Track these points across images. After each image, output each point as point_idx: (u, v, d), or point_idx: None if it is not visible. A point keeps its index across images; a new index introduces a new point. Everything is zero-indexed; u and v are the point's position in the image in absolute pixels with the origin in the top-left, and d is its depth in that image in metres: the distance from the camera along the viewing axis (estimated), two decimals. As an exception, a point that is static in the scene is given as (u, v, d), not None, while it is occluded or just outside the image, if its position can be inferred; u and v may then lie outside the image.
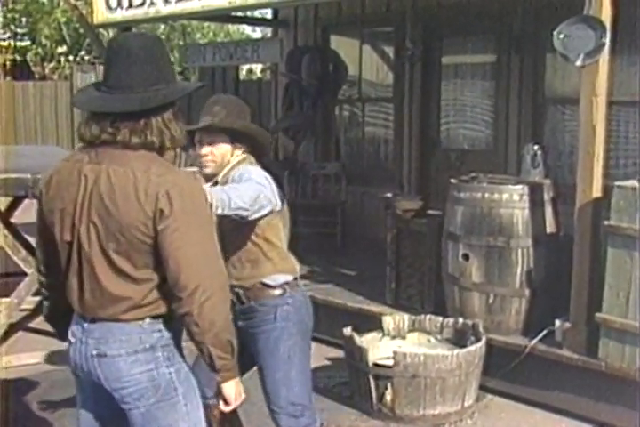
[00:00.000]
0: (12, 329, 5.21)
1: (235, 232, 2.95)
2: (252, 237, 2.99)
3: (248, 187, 2.84)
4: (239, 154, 3.06)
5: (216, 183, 3.02)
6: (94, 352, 2.23)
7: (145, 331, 2.21)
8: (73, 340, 2.30)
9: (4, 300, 4.97)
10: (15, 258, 4.90)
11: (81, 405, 2.42)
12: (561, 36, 4.02)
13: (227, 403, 2.33)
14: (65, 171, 2.25)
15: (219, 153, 3.03)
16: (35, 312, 5.65)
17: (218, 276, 2.19)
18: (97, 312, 2.23)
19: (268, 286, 3.03)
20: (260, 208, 2.82)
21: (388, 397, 4.06)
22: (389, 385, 4.04)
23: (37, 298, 5.42)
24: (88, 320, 2.25)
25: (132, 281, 2.18)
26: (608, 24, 3.92)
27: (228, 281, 2.27)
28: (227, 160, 3.04)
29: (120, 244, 2.14)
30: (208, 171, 3.05)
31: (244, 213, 2.78)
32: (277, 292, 3.03)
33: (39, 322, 5.59)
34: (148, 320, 2.22)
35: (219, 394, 2.33)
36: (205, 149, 3.03)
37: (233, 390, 2.29)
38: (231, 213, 2.75)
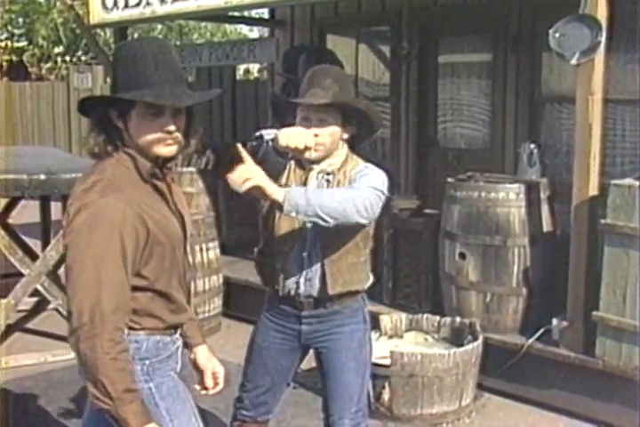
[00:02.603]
0: (9, 330, 5.21)
1: (352, 233, 2.72)
2: (360, 242, 2.77)
3: (367, 195, 2.58)
4: (344, 141, 2.74)
5: (323, 173, 2.72)
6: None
7: (128, 344, 2.08)
8: None
9: (1, 301, 4.97)
10: (12, 259, 4.89)
11: (87, 409, 2.37)
12: (557, 35, 4.02)
13: None
14: None
15: (328, 135, 2.67)
16: (32, 313, 5.65)
17: (93, 306, 1.94)
18: None
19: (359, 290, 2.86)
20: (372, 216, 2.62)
21: (386, 396, 4.06)
22: (387, 384, 4.04)
23: (35, 299, 5.44)
24: None
25: None
26: (604, 22, 3.92)
27: (112, 316, 1.96)
28: (335, 145, 2.71)
29: None
30: (314, 155, 2.67)
31: (364, 221, 2.58)
32: (361, 293, 2.87)
33: (37, 323, 5.61)
34: (125, 331, 2.08)
35: None
36: (315, 130, 2.63)
37: None
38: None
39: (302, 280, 2.75)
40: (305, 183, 2.73)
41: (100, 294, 1.95)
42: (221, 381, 2.47)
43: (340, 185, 2.71)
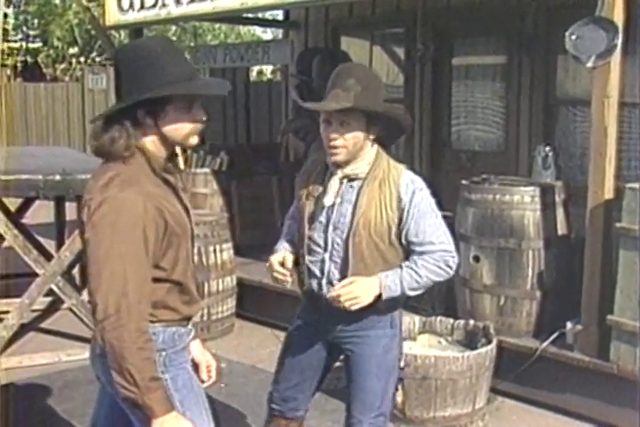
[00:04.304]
0: (23, 330, 5.23)
1: (382, 246, 2.71)
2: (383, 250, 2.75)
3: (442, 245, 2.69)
4: (372, 141, 2.69)
5: (347, 179, 2.70)
6: (98, 351, 2.22)
7: None
8: (91, 337, 2.34)
9: (15, 300, 5.00)
10: (26, 258, 4.92)
11: (98, 404, 2.43)
12: (572, 37, 4.00)
13: None
14: None
15: (351, 138, 2.62)
16: (46, 313, 5.68)
17: (122, 297, 2.00)
18: None
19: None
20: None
21: (399, 398, 4.05)
22: (400, 387, 4.03)
23: (49, 298, 5.47)
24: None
25: None
26: (620, 25, 3.90)
27: (140, 305, 2.03)
28: (359, 147, 2.65)
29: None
30: (339, 159, 2.65)
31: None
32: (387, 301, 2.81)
33: (51, 322, 5.63)
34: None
35: None
36: (336, 133, 2.60)
37: None
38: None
39: (324, 282, 2.78)
40: (325, 189, 2.73)
41: (125, 286, 2.01)
42: (214, 374, 2.55)
43: (373, 195, 2.67)
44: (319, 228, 2.76)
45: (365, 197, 2.66)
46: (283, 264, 2.81)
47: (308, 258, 2.80)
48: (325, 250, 2.75)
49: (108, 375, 2.09)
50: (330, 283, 2.75)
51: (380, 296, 2.63)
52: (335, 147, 2.62)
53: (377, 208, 2.66)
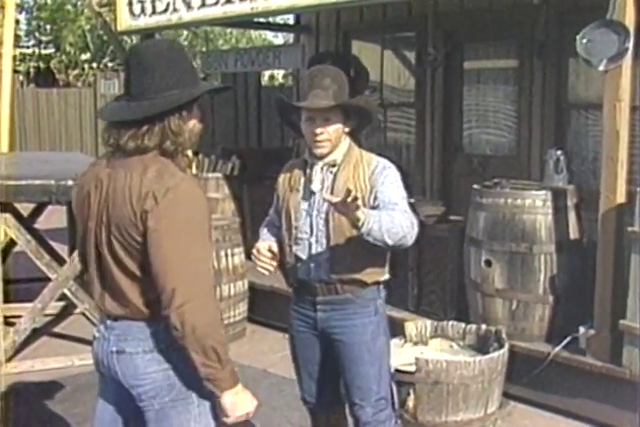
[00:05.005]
0: (36, 334, 5.26)
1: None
2: None
3: (406, 207, 2.88)
4: (347, 131, 2.99)
5: (326, 166, 2.97)
6: (114, 349, 2.29)
7: (164, 329, 2.21)
8: (97, 335, 2.38)
9: (27, 305, 5.02)
10: (39, 263, 4.95)
11: (101, 402, 2.47)
12: (584, 41, 3.99)
13: (224, 414, 2.26)
14: (87, 176, 2.36)
15: (333, 132, 2.93)
16: (59, 317, 5.71)
17: (200, 280, 2.14)
18: (117, 310, 2.28)
19: (377, 282, 3.05)
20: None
21: (410, 403, 4.04)
22: (411, 391, 4.03)
23: (61, 303, 5.49)
24: (111, 318, 2.31)
25: (140, 282, 2.22)
26: (632, 29, 3.89)
27: (212, 286, 2.21)
28: (338, 140, 2.97)
29: (123, 245, 2.20)
30: (324, 151, 2.95)
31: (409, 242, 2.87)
32: (375, 285, 3.04)
33: (63, 327, 5.66)
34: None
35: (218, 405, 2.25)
36: (320, 128, 2.91)
37: (229, 401, 2.21)
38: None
39: (313, 265, 2.99)
40: (310, 178, 3.01)
41: (203, 268, 2.16)
42: None
43: (348, 176, 2.93)
44: (304, 215, 3.01)
45: (342, 178, 2.95)
46: (270, 250, 3.02)
47: (295, 248, 3.02)
48: (311, 234, 2.98)
49: (131, 369, 2.21)
50: (318, 265, 2.96)
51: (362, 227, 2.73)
52: (321, 141, 2.92)
53: (353, 184, 2.88)
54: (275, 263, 3.02)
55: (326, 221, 2.95)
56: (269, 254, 3.00)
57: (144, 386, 2.26)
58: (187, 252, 2.13)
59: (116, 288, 2.26)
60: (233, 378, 2.20)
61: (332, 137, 2.92)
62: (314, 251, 2.98)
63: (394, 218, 2.79)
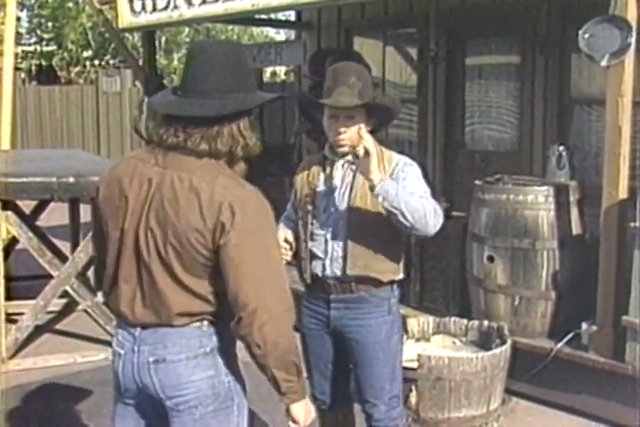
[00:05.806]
0: (38, 331, 5.26)
1: (378, 221, 2.89)
2: (385, 231, 2.93)
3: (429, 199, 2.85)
4: (369, 129, 2.94)
5: (347, 163, 2.94)
6: (151, 359, 2.14)
7: (205, 333, 2.15)
8: (122, 351, 2.21)
9: (29, 302, 5.03)
10: (41, 260, 4.95)
11: (120, 420, 2.32)
12: (586, 36, 3.98)
13: (296, 423, 2.25)
14: (123, 170, 2.19)
15: (356, 130, 2.87)
16: (61, 314, 5.71)
17: (281, 295, 2.07)
18: (150, 319, 2.14)
19: (393, 281, 3.02)
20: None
21: (413, 399, 4.04)
22: (414, 388, 4.02)
23: (64, 300, 5.49)
24: (139, 327, 2.17)
25: (189, 292, 2.10)
26: (634, 24, 3.87)
27: (291, 300, 2.11)
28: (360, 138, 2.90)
29: (178, 253, 2.07)
30: (347, 149, 2.91)
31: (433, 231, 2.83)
32: (389, 285, 3.02)
33: (66, 324, 5.66)
34: (206, 322, 2.15)
35: (287, 414, 2.25)
36: (344, 127, 2.86)
37: (302, 411, 2.21)
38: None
39: (328, 262, 2.97)
40: (332, 174, 2.98)
41: (282, 283, 2.10)
42: None
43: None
44: (322, 211, 2.98)
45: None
46: (285, 240, 3.00)
47: (310, 244, 3.00)
48: (327, 231, 2.96)
49: (173, 378, 2.12)
50: (333, 262, 2.94)
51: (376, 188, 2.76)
52: (344, 139, 2.88)
53: None
54: (290, 253, 3.00)
55: (344, 217, 2.92)
56: (285, 245, 2.98)
57: (186, 395, 2.14)
58: (270, 266, 2.08)
59: (155, 295, 2.12)
60: (304, 389, 2.20)
61: (354, 135, 2.87)
62: (329, 247, 2.95)
63: (414, 195, 2.79)
